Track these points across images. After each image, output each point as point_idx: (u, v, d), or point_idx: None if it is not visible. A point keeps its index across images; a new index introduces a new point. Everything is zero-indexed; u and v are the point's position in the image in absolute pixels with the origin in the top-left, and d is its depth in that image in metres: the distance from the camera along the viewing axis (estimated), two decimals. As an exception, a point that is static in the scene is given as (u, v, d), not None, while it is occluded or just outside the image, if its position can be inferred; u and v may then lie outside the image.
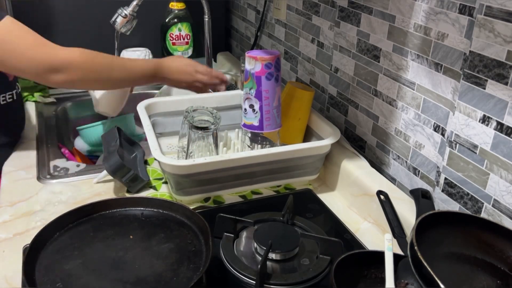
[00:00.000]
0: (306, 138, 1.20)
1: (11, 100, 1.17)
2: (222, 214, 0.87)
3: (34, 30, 1.01)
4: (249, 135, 1.10)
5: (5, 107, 1.16)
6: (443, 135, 0.90)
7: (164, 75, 1.18)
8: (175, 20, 1.62)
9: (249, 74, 1.03)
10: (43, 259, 0.76)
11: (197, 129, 1.05)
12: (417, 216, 0.82)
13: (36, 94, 1.46)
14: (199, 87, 1.24)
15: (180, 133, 1.19)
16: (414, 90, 0.96)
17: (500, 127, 0.76)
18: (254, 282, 0.77)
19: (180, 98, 1.26)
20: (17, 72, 1.04)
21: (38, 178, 1.09)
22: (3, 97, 1.15)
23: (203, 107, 1.21)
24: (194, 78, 1.22)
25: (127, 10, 1.28)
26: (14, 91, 1.19)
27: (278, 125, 1.09)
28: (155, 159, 1.04)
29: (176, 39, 1.64)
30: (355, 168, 1.05)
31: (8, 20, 0.98)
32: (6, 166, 1.13)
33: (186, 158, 1.07)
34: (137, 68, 1.13)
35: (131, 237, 0.82)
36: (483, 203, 0.81)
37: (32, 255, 0.75)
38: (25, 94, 1.44)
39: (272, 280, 0.78)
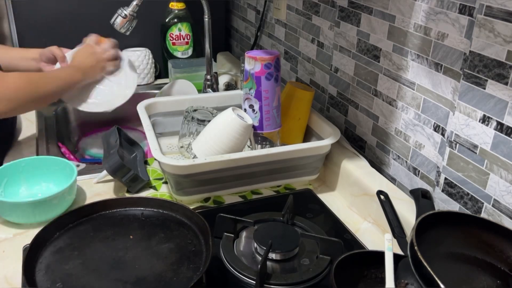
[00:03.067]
0: (306, 138, 1.20)
1: None
2: (222, 214, 0.87)
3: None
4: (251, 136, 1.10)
5: None
6: (443, 135, 0.90)
7: (81, 75, 1.20)
8: (175, 20, 1.62)
9: (248, 74, 1.04)
10: (43, 259, 0.76)
11: (197, 121, 1.06)
12: (417, 216, 0.82)
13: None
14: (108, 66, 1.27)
15: (180, 133, 1.19)
16: (414, 90, 0.96)
17: (500, 127, 0.76)
18: (254, 282, 0.77)
19: (180, 98, 1.26)
20: None
21: (38, 178, 1.09)
22: None
23: (203, 107, 1.22)
24: (102, 64, 1.25)
25: (127, 10, 1.28)
26: None
27: (278, 125, 1.09)
28: (155, 159, 1.04)
29: (176, 39, 1.64)
30: (355, 168, 1.05)
31: None
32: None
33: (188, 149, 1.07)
34: (64, 78, 1.15)
35: (131, 237, 0.82)
36: (483, 203, 0.81)
37: (32, 255, 0.75)
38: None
39: (272, 280, 0.78)
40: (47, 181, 1.03)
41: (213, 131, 1.02)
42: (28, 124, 1.33)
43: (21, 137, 1.29)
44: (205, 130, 1.05)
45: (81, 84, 1.22)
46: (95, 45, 1.28)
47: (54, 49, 1.27)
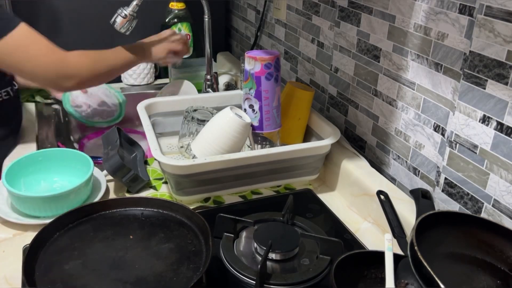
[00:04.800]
0: (306, 138, 1.20)
1: (7, 97, 1.18)
2: (222, 214, 0.87)
3: (34, 30, 1.02)
4: (249, 135, 1.10)
5: (1, 104, 1.16)
6: (443, 135, 0.90)
7: (146, 54, 1.25)
8: (175, 20, 1.62)
9: (248, 74, 1.04)
10: (43, 259, 0.76)
11: (197, 121, 1.06)
12: (417, 216, 0.82)
13: (36, 94, 1.46)
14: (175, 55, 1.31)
15: (180, 133, 1.19)
16: (414, 90, 0.96)
17: (500, 127, 0.76)
18: (254, 282, 0.77)
19: (180, 98, 1.26)
20: (32, 77, 1.07)
21: (38, 178, 1.09)
22: None
23: (203, 107, 1.22)
24: (165, 53, 1.28)
25: (127, 10, 1.28)
26: (9, 88, 1.19)
27: (278, 125, 1.09)
28: (155, 159, 1.04)
29: (176, 39, 1.64)
30: (355, 168, 1.05)
31: (24, 26, 1.01)
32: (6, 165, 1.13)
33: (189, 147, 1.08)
34: (127, 54, 1.19)
35: (131, 237, 0.82)
36: (483, 203, 0.81)
37: (32, 255, 0.75)
38: (26, 94, 1.44)
39: (272, 280, 0.78)
40: (64, 174, 1.05)
41: (212, 131, 1.02)
42: (28, 124, 1.33)
43: (22, 137, 1.28)
44: (204, 130, 1.05)
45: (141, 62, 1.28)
46: (167, 35, 1.31)
47: None
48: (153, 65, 1.66)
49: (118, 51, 1.18)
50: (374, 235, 0.95)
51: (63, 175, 1.05)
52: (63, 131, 1.48)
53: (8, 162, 1.13)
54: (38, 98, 1.46)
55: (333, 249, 0.82)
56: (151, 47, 1.25)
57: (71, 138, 1.51)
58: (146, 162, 1.16)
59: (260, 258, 0.82)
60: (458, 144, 0.84)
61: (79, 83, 1.08)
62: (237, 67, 1.65)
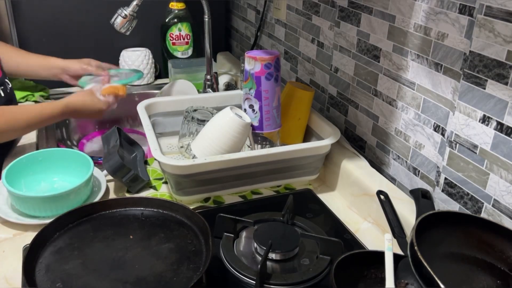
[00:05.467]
0: (306, 138, 1.20)
1: None
2: (222, 214, 0.87)
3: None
4: (249, 135, 1.10)
5: None
6: (443, 135, 0.90)
7: (73, 114, 1.18)
8: (175, 20, 1.62)
9: (248, 74, 1.04)
10: (43, 259, 0.76)
11: (197, 121, 1.07)
12: (417, 216, 0.82)
13: (37, 94, 1.46)
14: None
15: (180, 133, 1.19)
16: (414, 90, 0.96)
17: (500, 127, 0.76)
18: (254, 282, 0.77)
19: (180, 98, 1.26)
20: None
21: (38, 178, 1.09)
22: None
23: (203, 107, 1.22)
24: (101, 112, 1.21)
25: (127, 10, 1.28)
26: (1, 88, 1.17)
27: (278, 125, 1.09)
28: (155, 159, 1.04)
29: (176, 39, 1.64)
30: (355, 168, 1.05)
31: None
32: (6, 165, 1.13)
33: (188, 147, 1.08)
34: (45, 111, 1.11)
35: (131, 237, 0.82)
36: (483, 203, 0.81)
37: (32, 255, 0.75)
38: (26, 93, 1.44)
39: (272, 280, 0.78)
40: (64, 174, 1.05)
41: (212, 131, 1.02)
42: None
43: (21, 137, 1.28)
44: (204, 130, 1.05)
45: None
46: (98, 94, 1.22)
47: (88, 68, 1.27)
48: (153, 65, 1.66)
49: (31, 110, 1.11)
50: (374, 235, 0.95)
51: (63, 175, 1.05)
52: (63, 131, 1.48)
53: (8, 162, 1.13)
54: (37, 98, 1.46)
55: (333, 249, 0.82)
56: (76, 110, 1.17)
57: (71, 138, 1.51)
58: (146, 162, 1.16)
59: (260, 258, 0.82)
60: (458, 144, 0.84)
61: None
62: (237, 67, 1.65)
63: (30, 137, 1.27)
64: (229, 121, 1.01)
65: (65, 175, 1.04)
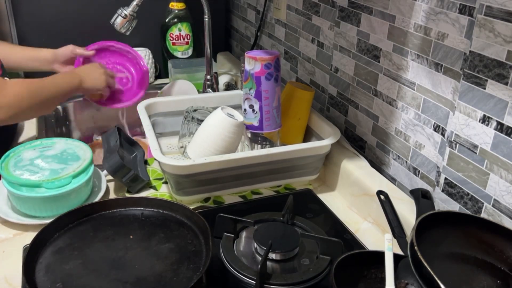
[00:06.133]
0: (306, 138, 1.20)
1: None
2: (222, 214, 0.87)
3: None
4: (249, 135, 1.10)
5: None
6: (443, 135, 0.90)
7: (83, 84, 1.20)
8: (175, 20, 1.62)
9: (248, 74, 1.04)
10: (43, 259, 0.76)
11: (197, 121, 1.06)
12: (417, 216, 0.82)
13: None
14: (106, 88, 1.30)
15: (180, 133, 1.19)
16: (414, 90, 0.96)
17: (500, 127, 0.76)
18: (254, 282, 0.77)
19: (180, 98, 1.26)
20: None
21: (38, 178, 1.09)
22: None
23: (203, 107, 1.22)
24: (104, 77, 1.26)
25: (127, 10, 1.28)
26: None
27: (278, 125, 1.09)
28: (155, 159, 1.04)
29: (176, 39, 1.64)
30: (355, 168, 1.05)
31: None
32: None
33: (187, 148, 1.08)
34: (65, 83, 1.15)
35: (131, 237, 0.82)
36: (483, 203, 0.81)
37: (32, 255, 0.75)
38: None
39: (272, 280, 0.78)
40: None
41: (205, 133, 1.02)
42: (28, 125, 1.33)
43: (22, 137, 1.29)
44: (198, 133, 1.04)
45: (81, 91, 1.22)
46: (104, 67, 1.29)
47: (76, 50, 1.28)
48: (153, 65, 1.66)
49: (56, 80, 1.13)
50: (374, 235, 0.95)
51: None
52: (63, 131, 1.48)
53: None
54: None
55: (333, 249, 0.82)
56: (89, 76, 1.22)
57: (71, 138, 1.51)
58: (146, 162, 1.16)
59: (260, 258, 0.82)
60: (458, 144, 0.84)
61: (15, 115, 1.01)
62: (237, 67, 1.65)
63: (30, 136, 1.27)
64: (221, 121, 1.00)
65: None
